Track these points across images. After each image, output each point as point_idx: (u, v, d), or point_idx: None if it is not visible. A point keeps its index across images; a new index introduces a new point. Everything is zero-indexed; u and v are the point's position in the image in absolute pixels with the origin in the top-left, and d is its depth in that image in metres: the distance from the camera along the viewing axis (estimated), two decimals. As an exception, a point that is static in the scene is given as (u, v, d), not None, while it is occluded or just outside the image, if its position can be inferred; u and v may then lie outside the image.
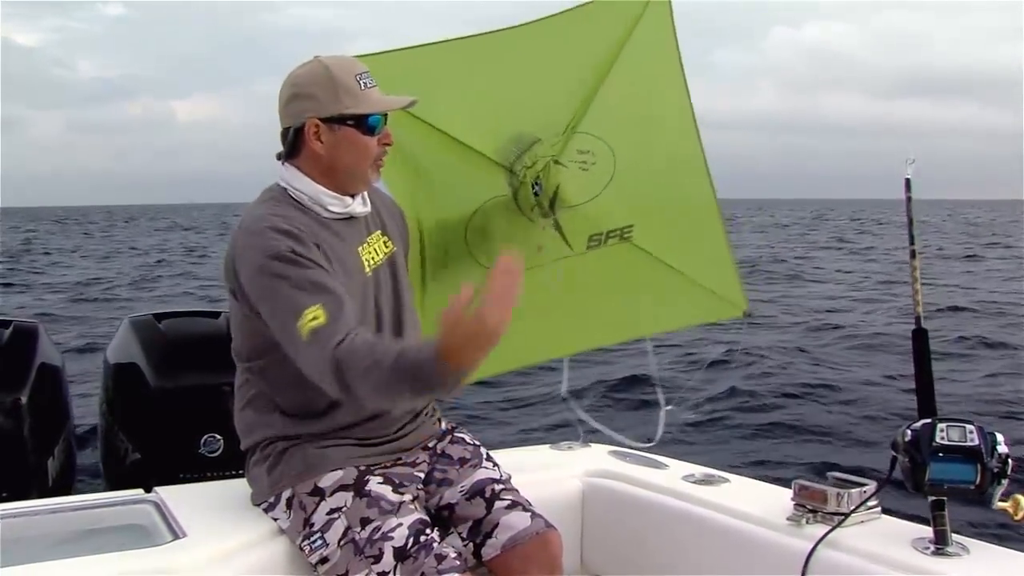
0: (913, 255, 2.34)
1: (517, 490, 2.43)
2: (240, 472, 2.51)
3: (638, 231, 2.99)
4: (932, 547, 2.11)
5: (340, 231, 2.34)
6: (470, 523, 2.35)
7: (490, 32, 2.86)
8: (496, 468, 2.47)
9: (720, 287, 3.11)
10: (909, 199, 2.33)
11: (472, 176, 2.87)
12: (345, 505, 2.19)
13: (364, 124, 2.29)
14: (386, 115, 2.34)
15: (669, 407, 3.04)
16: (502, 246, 2.88)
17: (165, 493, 2.46)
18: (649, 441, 3.02)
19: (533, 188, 2.84)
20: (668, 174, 3.05)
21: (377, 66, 2.44)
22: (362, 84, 2.29)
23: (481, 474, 2.42)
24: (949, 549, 2.10)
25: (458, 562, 2.14)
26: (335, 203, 2.33)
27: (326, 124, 2.28)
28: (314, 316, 2.07)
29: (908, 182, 2.33)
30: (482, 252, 2.87)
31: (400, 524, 2.16)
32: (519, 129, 2.87)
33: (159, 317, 3.37)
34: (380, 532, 2.14)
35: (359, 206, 2.38)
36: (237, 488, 2.47)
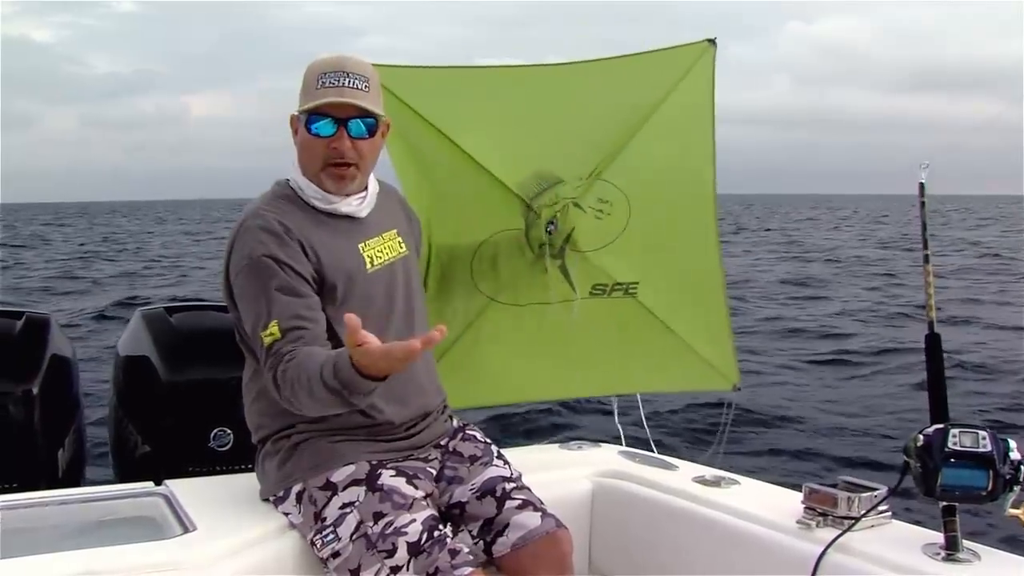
0: (926, 259, 2.33)
1: (529, 489, 2.43)
2: (249, 466, 2.52)
3: (643, 289, 3.01)
4: (943, 553, 2.10)
5: (337, 227, 2.35)
6: (481, 521, 2.35)
7: (536, 65, 2.89)
8: (507, 466, 2.47)
9: (716, 358, 3.13)
10: (923, 203, 2.32)
11: (489, 204, 2.88)
12: (358, 500, 2.19)
13: (306, 122, 2.31)
14: (341, 122, 2.28)
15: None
16: (506, 279, 2.90)
17: (175, 486, 2.46)
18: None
19: (547, 227, 2.86)
20: (681, 238, 3.06)
21: (414, 79, 2.45)
22: (319, 83, 2.28)
23: (492, 472, 2.42)
24: (960, 555, 2.09)
25: (471, 557, 2.15)
26: (317, 198, 2.35)
27: (296, 119, 2.34)
28: (271, 332, 2.16)
29: (922, 187, 2.31)
30: (484, 280, 2.90)
31: (414, 520, 2.16)
32: (545, 166, 2.88)
33: (170, 310, 3.37)
34: (393, 527, 2.14)
35: (348, 206, 2.37)
36: (247, 482, 2.48)
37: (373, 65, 2.39)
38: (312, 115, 2.28)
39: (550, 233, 2.86)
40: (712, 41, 2.93)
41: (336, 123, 2.28)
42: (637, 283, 3.00)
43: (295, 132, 2.35)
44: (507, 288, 2.93)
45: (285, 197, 2.36)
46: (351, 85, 2.27)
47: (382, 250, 2.41)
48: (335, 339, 2.22)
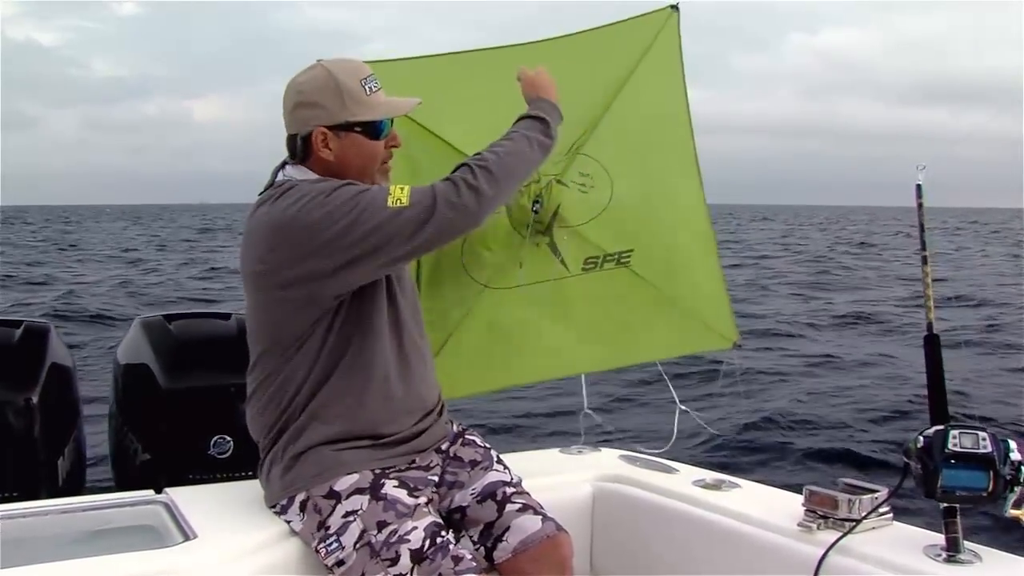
0: (925, 260, 2.34)
1: (528, 493, 2.43)
2: (250, 473, 2.51)
3: (636, 257, 3.00)
4: (944, 554, 2.10)
5: None
6: (481, 526, 2.35)
7: (504, 46, 2.89)
8: (507, 471, 2.47)
9: (713, 318, 3.12)
10: (920, 205, 2.33)
11: None
12: (361, 508, 2.19)
13: (371, 130, 2.31)
14: (390, 120, 2.35)
15: (684, 409, 3.04)
16: (498, 264, 2.89)
17: (175, 494, 2.46)
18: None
19: (533, 206, 2.86)
20: (667, 203, 3.08)
21: (385, 72, 2.44)
22: (367, 89, 2.30)
23: (492, 477, 2.43)
24: (961, 556, 2.09)
25: (475, 563, 2.15)
26: None
27: (333, 132, 2.29)
28: (400, 188, 2.19)
29: (919, 188, 2.32)
30: (476, 269, 2.90)
31: (416, 527, 2.16)
32: None
33: (169, 318, 3.37)
34: (396, 535, 2.14)
35: None
36: (248, 490, 2.47)
37: None
38: (376, 123, 2.32)
39: (536, 212, 2.86)
40: (675, 7, 2.95)
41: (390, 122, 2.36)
42: (630, 251, 2.99)
43: (324, 145, 2.30)
44: (499, 273, 2.93)
45: None
46: (380, 85, 2.34)
47: None
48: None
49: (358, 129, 2.29)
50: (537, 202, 2.86)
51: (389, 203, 2.16)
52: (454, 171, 2.27)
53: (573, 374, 3.18)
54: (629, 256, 3.00)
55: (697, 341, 3.18)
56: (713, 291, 3.10)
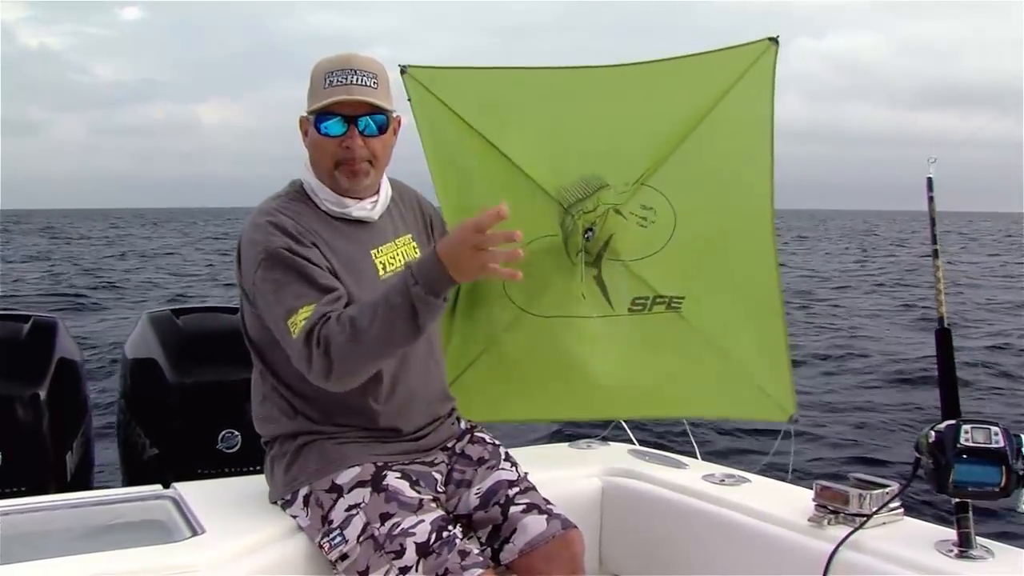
0: (936, 255, 2.32)
1: (535, 490, 2.41)
2: (258, 468, 2.51)
3: (689, 305, 2.80)
4: (956, 550, 2.09)
5: (350, 233, 2.34)
6: (489, 528, 2.34)
7: (586, 67, 2.76)
8: (514, 468, 2.45)
9: (770, 384, 2.86)
10: (931, 198, 2.30)
11: (527, 210, 2.70)
12: (363, 501, 2.19)
13: (316, 123, 2.29)
14: (351, 120, 2.26)
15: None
16: (538, 288, 2.73)
17: (183, 489, 2.46)
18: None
19: (585, 234, 2.73)
20: (733, 252, 2.83)
21: (456, 80, 2.38)
22: (327, 82, 2.25)
23: (497, 476, 2.41)
24: (973, 552, 2.07)
25: (481, 558, 2.13)
26: (332, 202, 2.33)
27: (306, 120, 2.32)
28: (304, 316, 2.12)
29: (930, 181, 2.30)
30: (517, 290, 2.74)
31: (422, 520, 2.15)
32: (591, 171, 2.74)
33: (177, 312, 3.38)
34: (400, 528, 2.13)
35: (361, 210, 2.35)
36: (255, 484, 2.47)
37: (416, 67, 2.35)
38: (321, 115, 2.26)
39: (587, 240, 2.72)
40: (774, 40, 2.74)
41: (346, 122, 2.26)
42: (682, 298, 2.79)
43: (304, 134, 2.34)
44: (539, 299, 2.77)
45: (298, 199, 2.34)
46: (359, 82, 2.25)
47: (395, 256, 2.39)
48: None
49: (312, 121, 2.30)
50: (590, 230, 2.73)
51: (288, 322, 2.14)
52: (323, 323, 2.10)
53: (603, 418, 3.02)
54: (682, 302, 2.79)
55: (749, 407, 2.92)
56: (774, 354, 2.84)
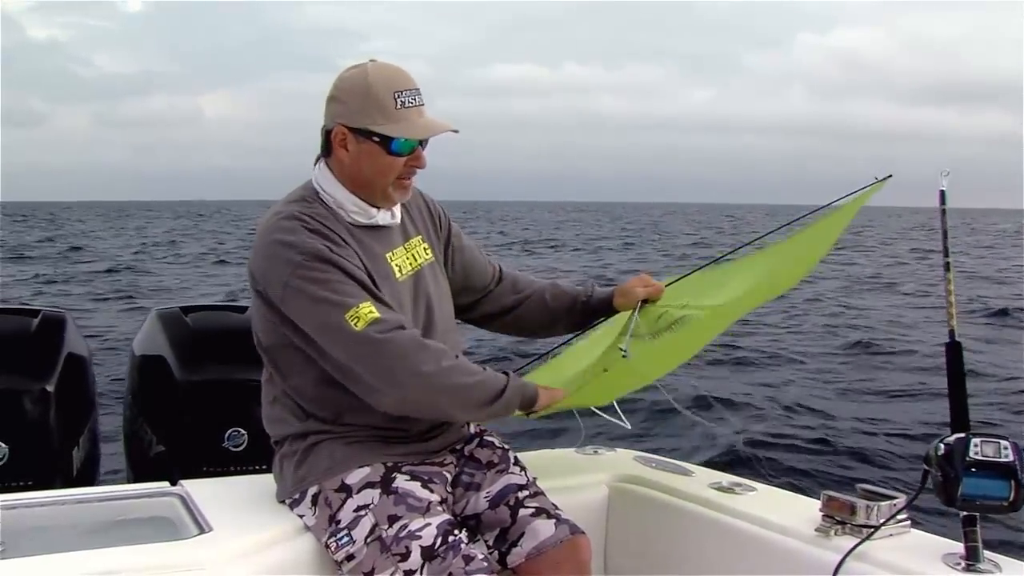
0: (947, 267, 2.31)
1: (544, 494, 2.42)
2: (264, 467, 2.51)
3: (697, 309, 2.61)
4: (963, 563, 2.07)
5: (366, 239, 2.33)
6: (497, 531, 2.35)
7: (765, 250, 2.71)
8: (523, 473, 2.46)
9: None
10: (944, 211, 2.30)
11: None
12: (372, 502, 2.19)
13: (388, 144, 2.26)
14: (423, 140, 2.29)
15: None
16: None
17: (190, 486, 2.46)
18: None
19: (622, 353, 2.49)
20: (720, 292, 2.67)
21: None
22: (399, 103, 2.24)
23: (507, 480, 2.41)
24: (980, 566, 2.06)
25: (486, 563, 2.13)
26: (357, 212, 2.31)
27: (352, 133, 2.27)
28: (369, 310, 2.13)
29: (943, 194, 2.29)
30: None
31: (428, 524, 2.15)
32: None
33: (186, 310, 3.38)
34: (407, 530, 2.13)
35: (384, 217, 2.36)
36: (263, 483, 2.48)
37: None
38: (393, 137, 2.25)
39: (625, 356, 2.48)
40: (888, 177, 2.52)
41: (418, 141, 2.29)
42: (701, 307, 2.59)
43: (342, 144, 2.28)
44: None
45: (317, 204, 2.30)
46: (421, 103, 2.27)
47: (408, 258, 2.39)
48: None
49: (376, 139, 2.25)
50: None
51: (346, 315, 2.13)
52: (397, 329, 2.16)
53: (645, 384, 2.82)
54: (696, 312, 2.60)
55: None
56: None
